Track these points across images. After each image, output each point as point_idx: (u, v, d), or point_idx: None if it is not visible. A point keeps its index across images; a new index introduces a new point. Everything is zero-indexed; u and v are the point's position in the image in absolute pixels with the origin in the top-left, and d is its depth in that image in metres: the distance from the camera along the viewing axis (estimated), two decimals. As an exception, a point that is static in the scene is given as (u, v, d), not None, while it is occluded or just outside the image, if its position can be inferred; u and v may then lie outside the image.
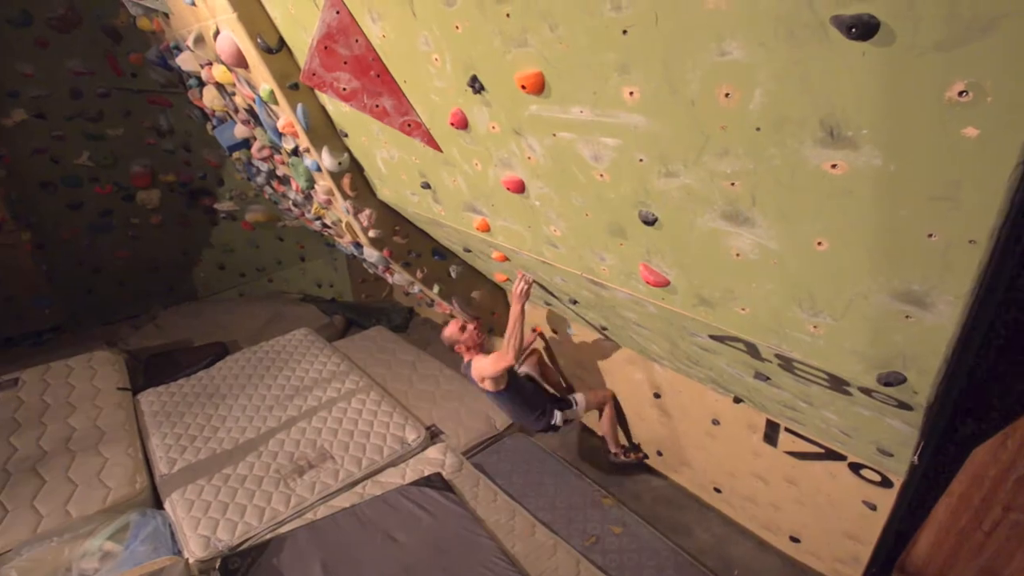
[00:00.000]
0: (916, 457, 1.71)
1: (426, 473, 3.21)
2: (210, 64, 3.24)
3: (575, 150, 1.53)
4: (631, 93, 1.24)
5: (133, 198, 5.26)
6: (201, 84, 3.75)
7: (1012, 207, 0.90)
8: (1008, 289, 1.13)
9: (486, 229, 2.34)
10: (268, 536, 2.88)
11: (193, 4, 2.78)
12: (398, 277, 3.77)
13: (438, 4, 1.51)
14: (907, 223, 1.03)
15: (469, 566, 2.66)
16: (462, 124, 1.85)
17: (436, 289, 3.66)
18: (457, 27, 1.53)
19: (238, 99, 3.28)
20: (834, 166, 1.04)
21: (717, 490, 3.20)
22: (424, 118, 2.05)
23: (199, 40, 3.03)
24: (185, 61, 3.44)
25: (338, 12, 1.93)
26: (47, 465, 3.36)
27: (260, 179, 4.28)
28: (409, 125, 2.11)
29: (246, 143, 3.84)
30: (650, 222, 1.50)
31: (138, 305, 5.77)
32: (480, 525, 2.88)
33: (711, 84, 1.08)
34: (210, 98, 3.69)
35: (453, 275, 3.69)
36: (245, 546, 2.84)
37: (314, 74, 2.11)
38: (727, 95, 1.08)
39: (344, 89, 2.11)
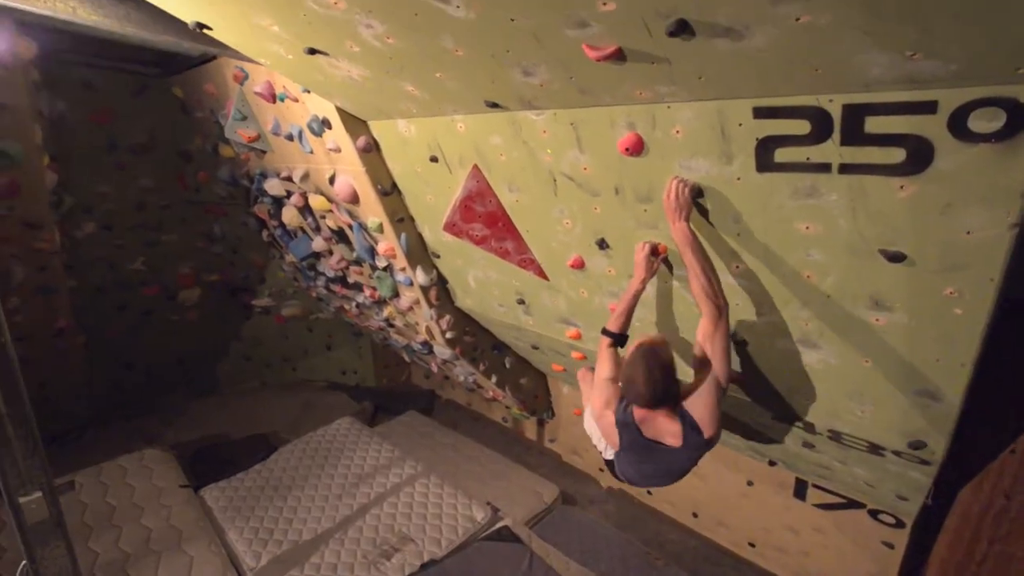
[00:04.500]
0: (929, 499, 2.35)
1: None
2: (304, 192, 3.83)
3: (681, 294, 2.20)
4: (736, 267, 1.93)
5: (175, 297, 5.59)
6: (278, 204, 4.31)
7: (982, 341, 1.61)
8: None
9: (577, 337, 2.95)
10: (372, 617, 3.16)
11: (311, 152, 3.41)
12: (459, 369, 4.27)
13: (582, 193, 2.19)
14: (923, 354, 1.72)
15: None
16: (579, 266, 2.50)
17: (494, 379, 4.19)
18: (596, 209, 2.20)
19: (329, 222, 3.85)
20: (878, 319, 1.74)
21: (751, 544, 3.73)
22: (539, 257, 2.70)
23: (305, 177, 3.65)
24: (272, 187, 4.04)
25: (477, 182, 2.60)
26: (136, 567, 3.51)
27: (319, 282, 4.78)
28: (525, 262, 2.75)
29: (317, 255, 4.38)
30: (739, 343, 2.17)
31: (161, 399, 5.92)
32: (562, 590, 3.27)
33: (798, 269, 1.78)
34: (289, 216, 4.25)
35: (507, 365, 4.24)
36: (352, 628, 3.10)
37: (454, 224, 2.75)
38: (808, 276, 1.78)
39: (476, 235, 2.75)
